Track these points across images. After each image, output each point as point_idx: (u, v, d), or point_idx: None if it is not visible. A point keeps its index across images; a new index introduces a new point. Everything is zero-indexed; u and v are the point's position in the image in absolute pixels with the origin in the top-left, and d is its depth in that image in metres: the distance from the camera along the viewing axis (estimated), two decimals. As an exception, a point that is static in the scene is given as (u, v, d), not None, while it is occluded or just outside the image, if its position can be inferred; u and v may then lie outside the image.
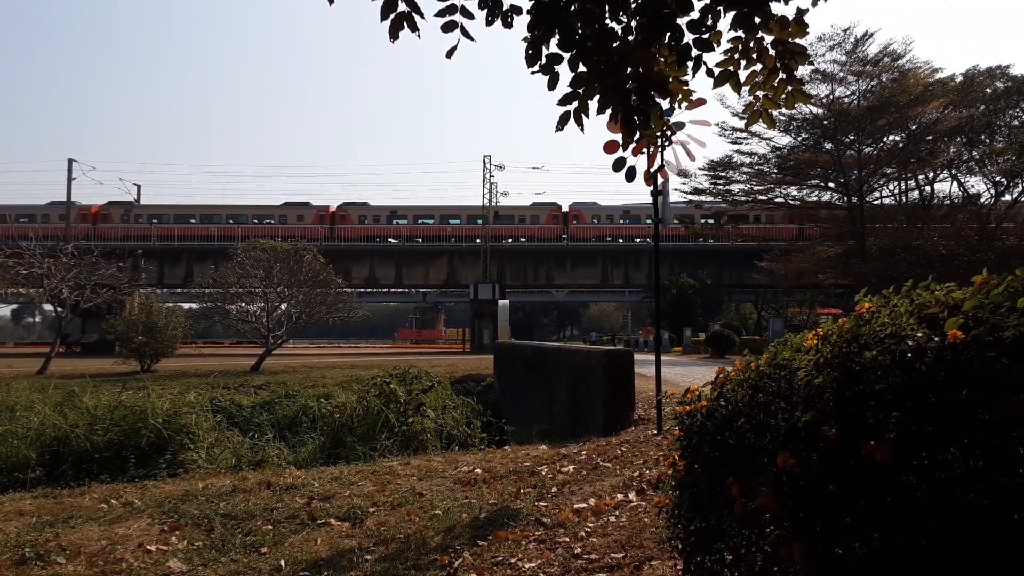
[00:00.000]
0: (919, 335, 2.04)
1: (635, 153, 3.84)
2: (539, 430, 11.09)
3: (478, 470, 7.33)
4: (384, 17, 3.49)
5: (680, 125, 5.57)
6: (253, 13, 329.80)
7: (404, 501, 6.18)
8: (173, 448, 10.32)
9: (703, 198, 41.60)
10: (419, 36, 3.55)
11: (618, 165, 3.89)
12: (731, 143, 38.41)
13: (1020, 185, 35.20)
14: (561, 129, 3.58)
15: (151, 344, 27.61)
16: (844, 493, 2.02)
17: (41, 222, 51.83)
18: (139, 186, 59.49)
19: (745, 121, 4.07)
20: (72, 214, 52.16)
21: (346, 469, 7.95)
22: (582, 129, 3.55)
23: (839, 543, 2.08)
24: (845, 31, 33.39)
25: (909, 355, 2.01)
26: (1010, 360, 1.90)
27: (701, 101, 5.00)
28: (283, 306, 29.44)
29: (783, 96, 3.72)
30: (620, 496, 5.53)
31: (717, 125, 36.35)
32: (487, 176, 53.73)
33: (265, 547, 5.12)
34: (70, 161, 51.76)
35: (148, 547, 5.28)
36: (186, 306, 44.31)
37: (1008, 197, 36.00)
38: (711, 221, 45.78)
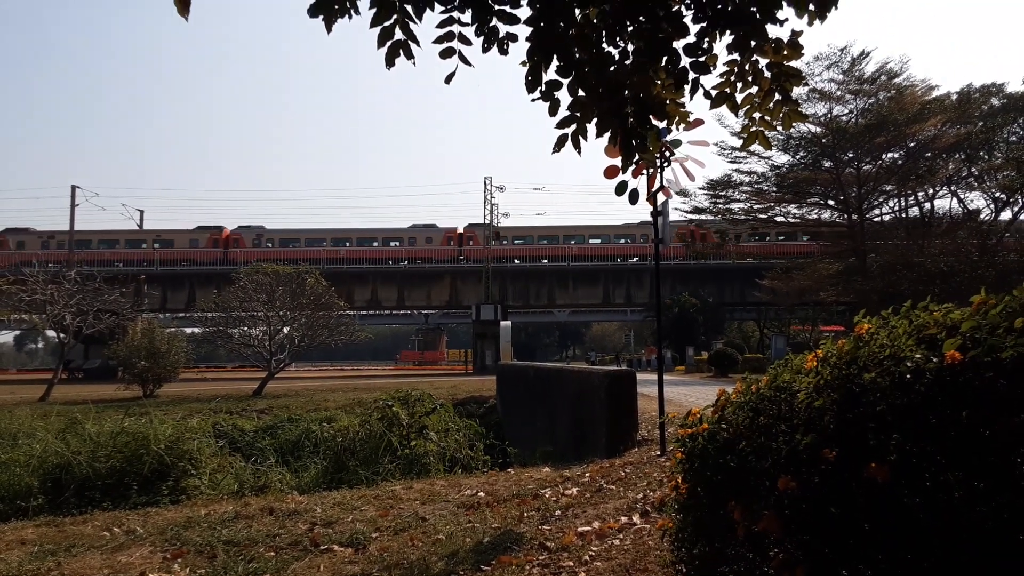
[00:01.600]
0: (918, 356, 2.05)
1: (635, 175, 3.87)
2: (542, 452, 11.04)
3: (481, 493, 7.30)
4: (381, 44, 3.54)
5: (677, 143, 5.62)
6: (254, 36, 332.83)
7: (407, 526, 6.14)
8: (175, 474, 10.28)
9: (703, 217, 41.68)
10: (414, 63, 3.60)
11: (620, 189, 3.93)
12: (730, 162, 38.54)
13: (1020, 201, 35.22)
14: (558, 151, 3.62)
15: (153, 369, 27.58)
16: (846, 515, 2.01)
17: (408, 244, 54.89)
18: (142, 211, 59.68)
19: (743, 142, 4.10)
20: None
21: (349, 494, 7.91)
22: (579, 152, 3.59)
23: (843, 565, 2.08)
24: (842, 50, 33.61)
25: (908, 376, 2.02)
26: (1009, 380, 1.91)
27: (699, 122, 5.04)
28: (285, 329, 29.40)
29: (779, 117, 3.75)
30: (624, 519, 5.50)
31: (716, 144, 36.50)
32: (488, 197, 53.98)
33: (268, 574, 5.09)
34: (73, 188, 52.08)
35: (150, 575, 5.25)
36: (188, 331, 44.34)
37: (1008, 213, 36.04)
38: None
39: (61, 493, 9.97)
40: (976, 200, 37.78)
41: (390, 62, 3.61)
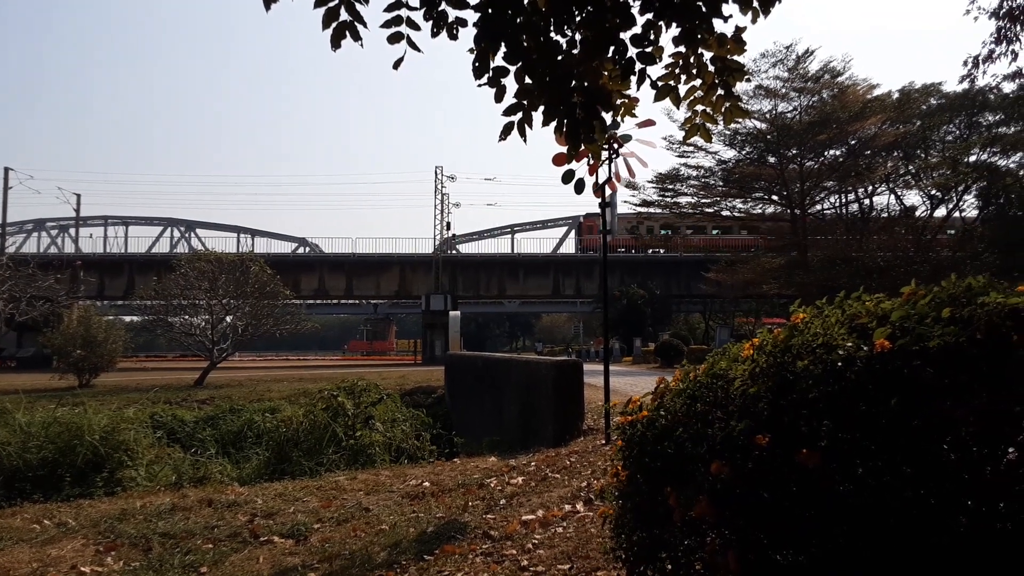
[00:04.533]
0: (849, 345, 2.09)
1: (577, 160, 3.87)
2: (489, 441, 11.05)
3: (426, 483, 7.27)
4: (326, 26, 3.47)
5: (627, 137, 5.65)
6: (196, 17, 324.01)
7: (350, 517, 6.08)
8: (111, 465, 10.00)
9: (652, 210, 42.21)
10: (362, 45, 3.53)
11: (567, 177, 3.93)
12: (678, 156, 39.11)
13: (954, 198, 36.56)
14: (504, 139, 3.60)
15: (90, 358, 26.73)
16: (779, 500, 2.05)
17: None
18: (79, 195, 57.50)
19: (685, 134, 4.14)
20: None
21: (291, 485, 7.80)
22: (525, 140, 3.58)
23: (776, 550, 2.11)
24: (787, 48, 34.31)
25: (839, 364, 2.06)
26: (935, 369, 1.96)
27: (650, 122, 5.06)
28: (228, 318, 28.79)
29: (722, 111, 3.80)
30: (568, 507, 5.54)
31: (664, 139, 36.99)
32: (439, 187, 53.69)
33: (205, 566, 4.98)
34: (6, 170, 50.08)
35: (82, 568, 5.09)
36: (127, 319, 43.14)
37: (942, 210, 37.35)
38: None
39: (-11, 485, 9.62)
40: (912, 197, 39.08)
41: (336, 44, 3.54)
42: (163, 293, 28.43)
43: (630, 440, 2.68)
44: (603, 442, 8.19)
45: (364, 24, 3.47)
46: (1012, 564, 1.84)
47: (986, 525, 1.88)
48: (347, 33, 3.49)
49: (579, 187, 3.99)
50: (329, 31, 3.47)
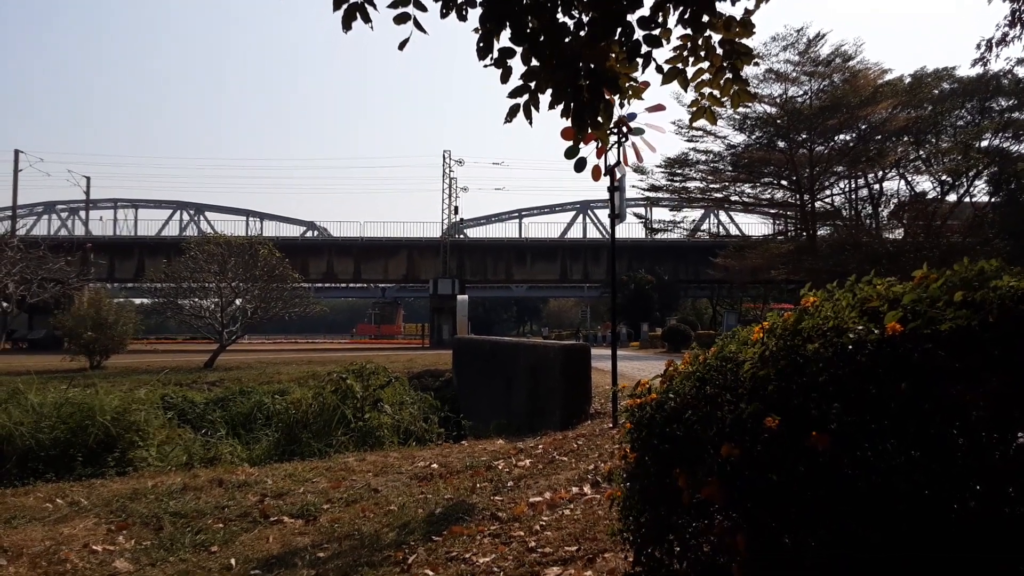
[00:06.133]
0: (860, 328, 2.09)
1: (585, 142, 3.85)
2: (497, 424, 11.10)
3: (435, 465, 7.31)
4: (337, 7, 3.45)
5: (640, 131, 5.60)
6: (205, 0, 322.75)
7: (359, 497, 6.13)
8: (122, 446, 10.08)
9: (660, 195, 42.08)
10: (372, 27, 3.52)
11: (571, 153, 3.91)
12: (687, 141, 38.90)
13: (964, 184, 36.25)
14: (510, 121, 3.58)
15: (101, 340, 26.89)
16: (788, 483, 2.05)
17: None
18: (88, 178, 57.56)
19: (691, 117, 4.11)
20: None
21: (300, 466, 7.85)
22: (530, 122, 3.56)
23: (784, 533, 2.12)
24: (798, 32, 34.02)
25: (850, 347, 2.06)
26: (947, 352, 1.95)
27: (660, 107, 5.02)
28: (238, 301, 28.89)
29: (729, 95, 3.77)
30: (575, 489, 5.56)
31: (673, 123, 36.76)
32: (447, 171, 53.59)
33: (215, 546, 5.04)
34: (16, 152, 50.20)
35: (94, 547, 5.15)
36: (137, 301, 43.32)
37: (953, 196, 37.05)
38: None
39: (2, 465, 9.72)
40: (923, 183, 38.72)
41: (347, 26, 3.52)
42: (173, 276, 28.52)
43: (639, 422, 2.69)
44: (610, 425, 8.21)
45: (374, 6, 3.46)
46: (1021, 548, 1.84)
47: (995, 509, 1.88)
48: (358, 15, 3.47)
49: (579, 165, 3.97)
50: (340, 13, 3.46)
